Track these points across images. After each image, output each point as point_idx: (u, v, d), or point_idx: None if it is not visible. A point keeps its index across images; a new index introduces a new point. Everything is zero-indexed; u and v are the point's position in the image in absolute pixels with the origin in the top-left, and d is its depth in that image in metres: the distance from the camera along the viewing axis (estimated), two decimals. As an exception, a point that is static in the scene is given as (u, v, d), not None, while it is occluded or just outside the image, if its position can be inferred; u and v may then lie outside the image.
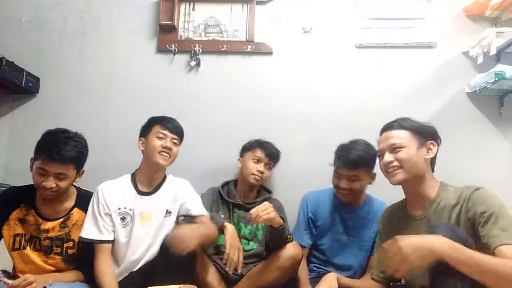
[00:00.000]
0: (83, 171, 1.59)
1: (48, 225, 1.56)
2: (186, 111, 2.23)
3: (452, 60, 2.26)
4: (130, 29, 2.42)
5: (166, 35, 2.39)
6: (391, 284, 1.50)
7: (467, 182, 1.33)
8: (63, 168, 1.46)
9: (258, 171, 1.91)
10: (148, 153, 1.69)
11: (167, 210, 1.70)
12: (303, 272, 1.79)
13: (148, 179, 1.73)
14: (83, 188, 1.69)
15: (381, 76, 2.29)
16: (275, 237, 1.64)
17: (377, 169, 1.52)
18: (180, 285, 1.36)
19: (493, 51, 2.03)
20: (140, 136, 1.76)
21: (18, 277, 1.43)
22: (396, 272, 1.07)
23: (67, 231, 1.58)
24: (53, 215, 1.57)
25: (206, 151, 2.26)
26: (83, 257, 1.60)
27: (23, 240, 1.56)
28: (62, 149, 1.44)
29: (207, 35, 2.40)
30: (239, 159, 2.01)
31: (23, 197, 1.58)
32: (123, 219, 1.64)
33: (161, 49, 2.38)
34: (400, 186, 1.40)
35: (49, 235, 1.57)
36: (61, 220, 1.58)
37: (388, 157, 1.36)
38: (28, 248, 1.56)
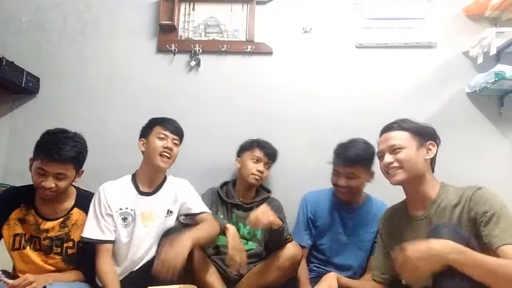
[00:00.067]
0: (83, 171, 1.59)
1: (48, 225, 1.56)
2: (186, 111, 2.24)
3: (452, 60, 2.26)
4: (130, 29, 2.42)
5: (166, 35, 2.39)
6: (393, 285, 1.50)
7: (467, 182, 1.34)
8: (62, 168, 1.46)
9: (258, 170, 1.91)
10: (149, 154, 1.70)
11: (168, 210, 1.71)
12: (303, 272, 1.79)
13: (149, 180, 1.73)
14: (82, 188, 1.70)
15: (381, 76, 2.29)
16: (275, 238, 1.65)
17: (377, 170, 1.52)
18: (180, 285, 1.36)
19: (493, 51, 2.03)
20: (140, 137, 1.76)
21: (18, 277, 1.43)
22: (409, 281, 1.07)
23: (67, 231, 1.59)
24: (53, 215, 1.58)
25: (206, 151, 2.26)
26: (83, 257, 1.60)
27: (23, 240, 1.57)
28: (61, 149, 1.44)
29: (207, 35, 2.40)
30: (236, 159, 2.01)
31: (23, 197, 1.58)
32: (124, 219, 1.65)
33: (161, 49, 2.38)
34: (400, 187, 1.40)
35: (49, 235, 1.57)
36: (61, 220, 1.58)
37: (388, 158, 1.37)
38: (28, 248, 1.57)
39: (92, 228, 1.58)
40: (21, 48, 2.41)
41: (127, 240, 1.64)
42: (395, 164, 1.35)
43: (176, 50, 2.35)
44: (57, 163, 1.44)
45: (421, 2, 2.32)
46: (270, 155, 1.96)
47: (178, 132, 1.76)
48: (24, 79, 2.23)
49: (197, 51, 2.32)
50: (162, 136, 1.70)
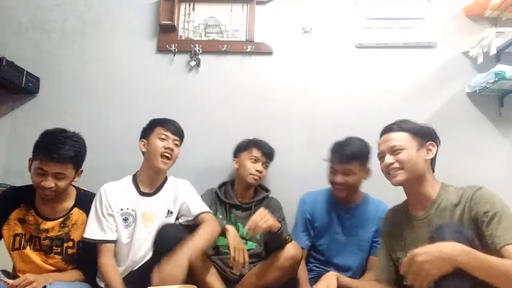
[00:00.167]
0: (82, 171, 1.59)
1: (48, 225, 1.56)
2: (186, 111, 2.24)
3: (452, 60, 2.26)
4: (130, 29, 2.42)
5: (166, 35, 2.39)
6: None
7: (467, 182, 1.34)
8: (61, 168, 1.46)
9: (257, 170, 1.90)
10: (150, 154, 1.70)
11: (168, 211, 1.72)
12: (303, 272, 1.79)
13: (150, 180, 1.74)
14: (82, 188, 1.70)
15: (381, 76, 2.29)
16: (274, 240, 1.64)
17: (377, 170, 1.52)
18: (180, 285, 1.36)
19: (493, 51, 2.03)
20: (141, 138, 1.77)
21: (18, 277, 1.44)
22: (415, 284, 1.06)
23: (67, 231, 1.59)
24: (52, 215, 1.58)
25: (206, 151, 2.26)
26: (83, 257, 1.60)
27: (23, 240, 1.57)
28: (60, 149, 1.44)
29: (207, 35, 2.40)
30: (234, 160, 2.01)
31: (23, 197, 1.58)
32: (125, 219, 1.65)
33: (161, 49, 2.38)
34: (400, 187, 1.40)
35: (49, 235, 1.57)
36: (60, 220, 1.58)
37: (388, 159, 1.38)
38: (28, 248, 1.57)
39: (94, 229, 1.59)
40: (21, 48, 2.40)
41: (128, 240, 1.64)
42: (396, 165, 1.35)
43: (176, 50, 2.35)
44: (56, 162, 1.44)
45: (421, 2, 2.32)
46: (268, 154, 1.96)
47: (179, 132, 1.76)
48: (24, 79, 2.23)
49: (197, 51, 2.32)
50: (163, 136, 1.71)
